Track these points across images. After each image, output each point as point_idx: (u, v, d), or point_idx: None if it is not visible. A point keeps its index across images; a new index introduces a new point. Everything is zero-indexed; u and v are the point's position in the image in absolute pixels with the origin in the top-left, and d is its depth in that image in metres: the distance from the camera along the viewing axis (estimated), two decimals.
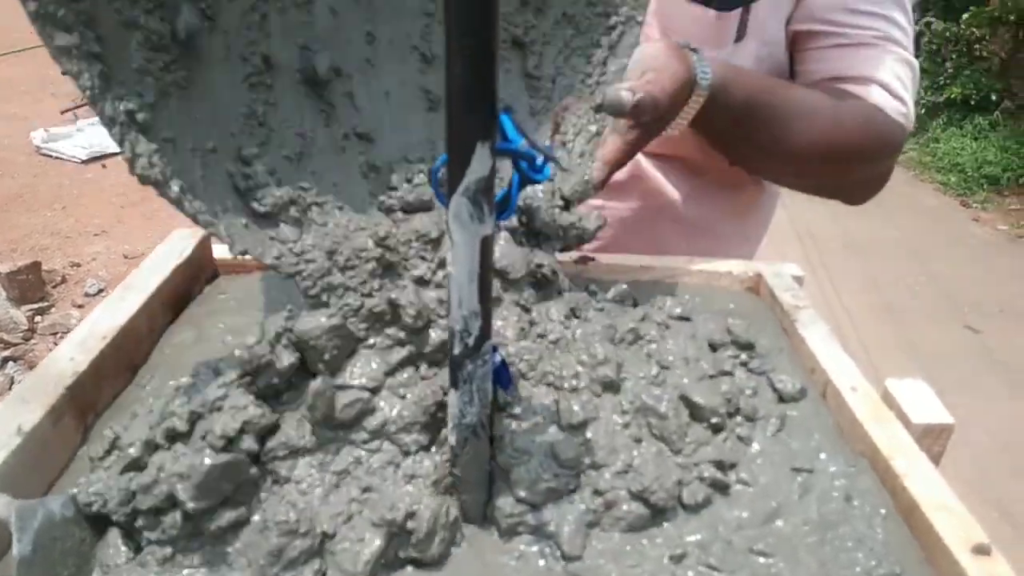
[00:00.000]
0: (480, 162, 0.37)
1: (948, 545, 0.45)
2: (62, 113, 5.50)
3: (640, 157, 0.91)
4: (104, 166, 4.90)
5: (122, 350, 0.58)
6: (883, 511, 0.49)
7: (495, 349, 0.46)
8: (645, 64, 0.66)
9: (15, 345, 2.99)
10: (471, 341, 0.42)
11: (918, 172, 6.00)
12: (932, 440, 0.56)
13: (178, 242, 0.71)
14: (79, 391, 0.53)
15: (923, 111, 6.52)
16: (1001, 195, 5.57)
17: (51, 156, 4.94)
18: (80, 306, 3.38)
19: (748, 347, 0.61)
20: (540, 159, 0.41)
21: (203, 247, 0.72)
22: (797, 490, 0.51)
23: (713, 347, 0.61)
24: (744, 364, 0.60)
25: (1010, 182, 5.62)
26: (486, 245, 0.39)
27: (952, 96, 6.23)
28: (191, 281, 0.70)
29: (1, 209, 4.30)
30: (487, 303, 0.41)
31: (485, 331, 0.42)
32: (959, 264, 4.64)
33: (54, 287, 3.50)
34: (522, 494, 0.47)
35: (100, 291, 3.45)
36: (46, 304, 3.35)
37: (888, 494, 0.51)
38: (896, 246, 4.80)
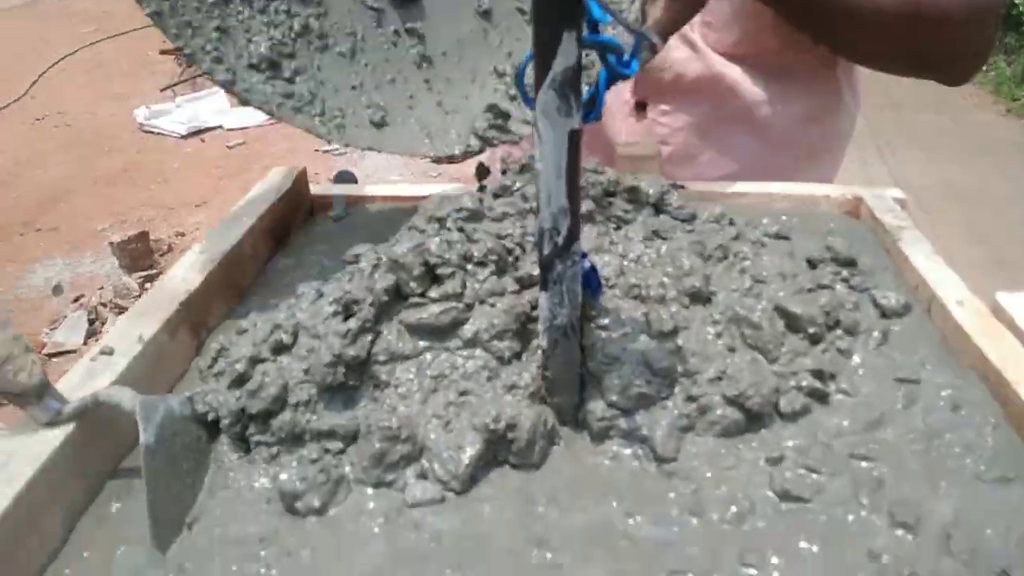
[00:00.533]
0: (566, 51, 0.37)
1: None
2: (161, 91, 5.75)
3: (712, 57, 0.88)
4: (203, 140, 5.12)
5: (229, 273, 0.61)
6: (993, 420, 0.47)
7: (584, 255, 0.46)
8: None
9: (128, 309, 3.17)
10: (560, 240, 0.42)
11: None
12: None
13: (276, 178, 0.74)
14: (191, 308, 0.56)
15: None
16: None
17: (153, 132, 5.19)
18: None
19: (849, 263, 0.59)
20: (628, 54, 0.40)
21: (300, 182, 0.75)
22: (901, 400, 0.49)
23: (812, 264, 0.59)
24: (845, 280, 0.58)
25: None
26: (574, 140, 0.40)
27: None
28: (291, 213, 0.73)
29: (108, 184, 4.55)
30: (576, 200, 0.42)
31: (574, 230, 0.42)
32: None
33: (161, 255, 3.70)
34: (614, 398, 0.47)
35: None
36: (155, 271, 3.55)
37: (999, 404, 0.49)
38: (1008, 198, 4.51)
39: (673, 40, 0.84)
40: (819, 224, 0.68)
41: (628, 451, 0.47)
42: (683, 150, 0.92)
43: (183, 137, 5.09)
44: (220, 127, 5.23)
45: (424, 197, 0.69)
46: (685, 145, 0.92)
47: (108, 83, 6.30)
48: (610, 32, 0.56)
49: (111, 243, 3.39)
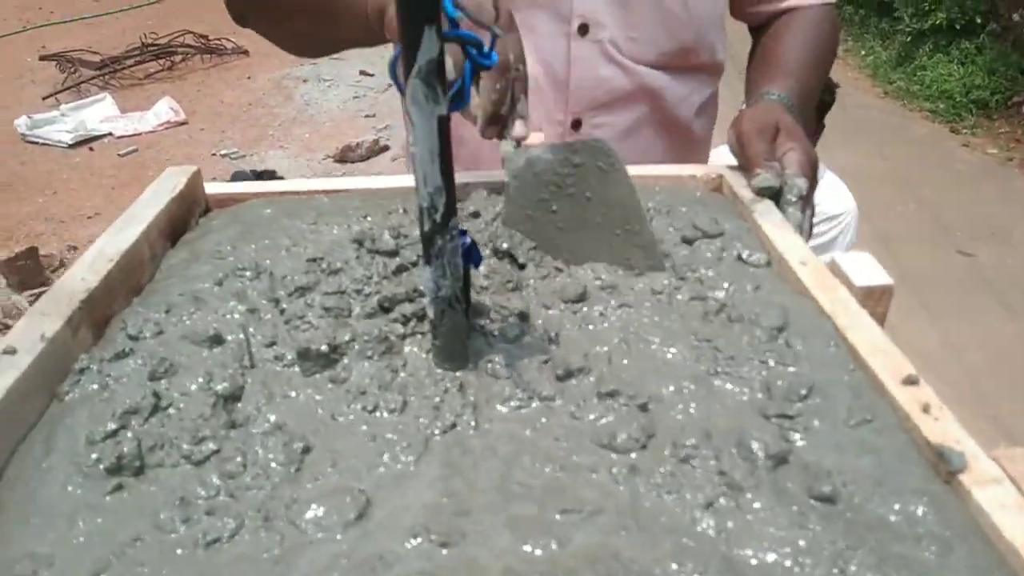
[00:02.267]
0: (428, 45, 0.41)
1: (882, 379, 0.51)
2: (44, 99, 5.49)
3: (638, 69, 0.98)
4: (91, 149, 4.91)
5: (127, 272, 0.63)
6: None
7: (464, 232, 0.51)
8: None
9: None
10: (438, 217, 0.47)
11: (906, 101, 5.98)
12: (875, 302, 0.61)
13: (170, 178, 0.76)
14: (92, 305, 0.58)
15: (908, 39, 6.47)
16: (990, 119, 5.56)
17: (37, 142, 4.95)
18: None
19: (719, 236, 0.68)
20: (488, 46, 0.45)
21: (194, 182, 0.77)
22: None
23: (687, 241, 0.67)
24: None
25: (999, 105, 5.61)
26: (443, 124, 0.44)
27: (937, 22, 6.17)
28: (186, 213, 0.74)
29: None
30: (450, 179, 0.46)
31: (450, 206, 0.47)
32: (950, 190, 4.66)
33: (53, 271, 3.55)
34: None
35: None
36: (46, 288, 3.40)
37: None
38: (885, 176, 4.81)
39: (599, 59, 0.96)
40: (689, 198, 0.75)
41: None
42: None
43: (70, 147, 4.87)
44: (109, 135, 5.04)
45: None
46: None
47: None
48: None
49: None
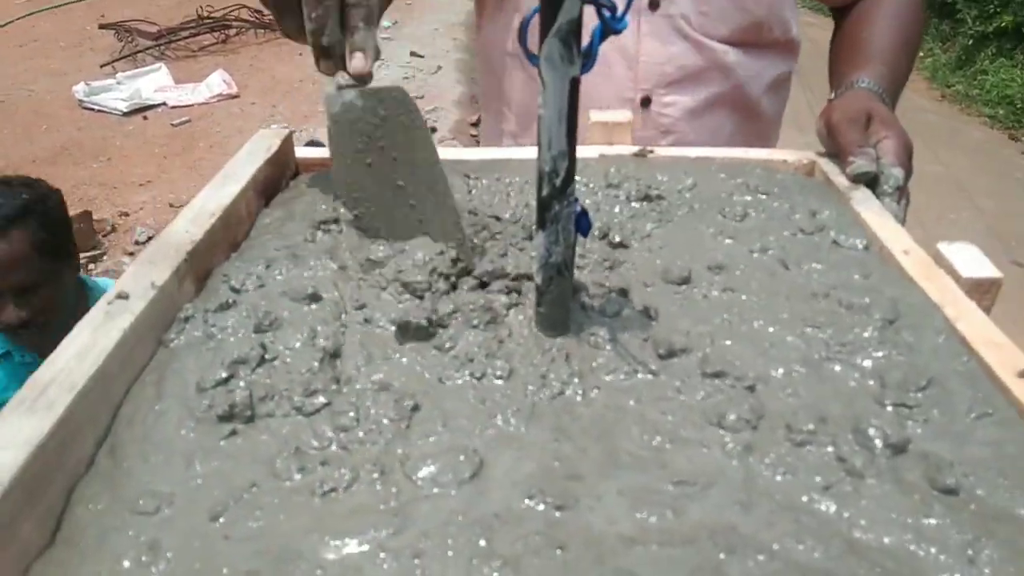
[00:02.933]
0: (570, 4, 0.41)
1: (997, 372, 0.49)
2: (101, 67, 5.59)
3: (712, 45, 0.96)
4: (145, 118, 4.99)
5: (227, 227, 0.64)
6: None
7: (577, 199, 0.51)
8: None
9: None
10: (559, 182, 0.47)
11: (964, 105, 5.84)
12: (981, 294, 0.59)
13: (263, 139, 0.76)
14: (196, 258, 0.59)
15: (970, 42, 6.32)
16: None
17: (93, 109, 5.04)
18: (131, 253, 3.49)
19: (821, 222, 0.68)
20: (621, 9, 0.44)
21: (287, 145, 0.77)
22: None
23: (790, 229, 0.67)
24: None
25: None
26: (574, 86, 0.44)
27: (1003, 25, 6.00)
28: (279, 174, 0.75)
29: (48, 163, 4.41)
30: (574, 144, 0.46)
31: (571, 172, 0.47)
32: (1006, 199, 4.55)
33: (105, 236, 3.62)
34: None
35: (149, 239, 3.55)
36: (99, 252, 3.47)
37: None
38: (940, 181, 4.71)
39: (670, 34, 0.94)
40: (784, 182, 0.74)
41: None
42: (681, 137, 1.00)
43: (124, 114, 4.96)
44: (163, 104, 5.11)
45: None
46: (683, 132, 1.00)
47: (45, 58, 6.08)
48: None
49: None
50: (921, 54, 6.80)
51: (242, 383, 0.48)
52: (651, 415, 0.46)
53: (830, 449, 0.43)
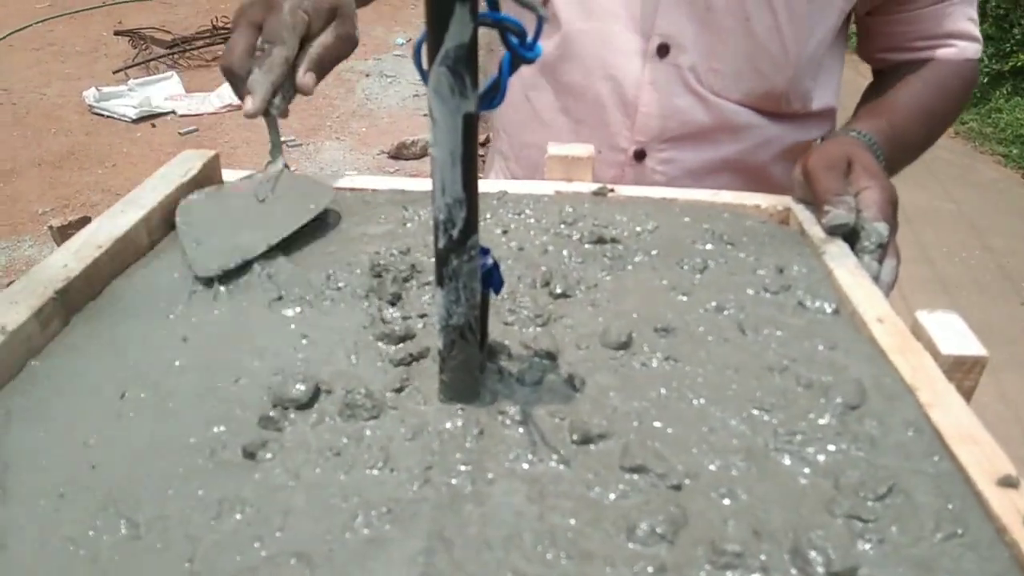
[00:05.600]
0: (459, 27, 0.34)
1: (973, 477, 0.41)
2: (114, 73, 5.59)
3: (721, 104, 0.86)
4: (153, 125, 4.98)
5: (117, 259, 0.57)
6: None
7: (487, 251, 0.43)
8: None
9: None
10: (455, 233, 0.39)
11: (978, 143, 5.76)
12: (963, 374, 0.51)
13: (183, 162, 0.70)
14: (68, 296, 0.52)
15: (986, 80, 6.25)
16: None
17: (103, 115, 5.03)
18: None
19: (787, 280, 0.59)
20: (531, 36, 0.37)
21: (211, 167, 0.71)
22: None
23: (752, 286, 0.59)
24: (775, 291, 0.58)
25: None
26: (469, 123, 0.37)
27: (1018, 64, 5.94)
28: None
29: (54, 166, 4.40)
30: (472, 191, 0.39)
31: (471, 222, 0.39)
32: (1017, 239, 4.46)
33: None
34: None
35: None
36: None
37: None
38: (952, 219, 4.63)
39: (676, 86, 0.85)
40: (754, 231, 0.67)
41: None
42: None
43: (133, 121, 4.95)
44: (172, 113, 5.10)
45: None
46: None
47: (59, 62, 6.10)
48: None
49: (51, 227, 3.27)
50: None
51: None
52: (551, 519, 0.38)
53: None
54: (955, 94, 0.91)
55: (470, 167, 0.38)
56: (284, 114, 0.67)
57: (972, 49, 0.91)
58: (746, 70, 0.84)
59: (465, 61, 0.35)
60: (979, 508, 0.40)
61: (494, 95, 0.40)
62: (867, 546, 0.38)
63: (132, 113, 4.96)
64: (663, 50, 0.84)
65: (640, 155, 0.89)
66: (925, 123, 0.87)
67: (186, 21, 6.66)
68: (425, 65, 0.37)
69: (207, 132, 4.97)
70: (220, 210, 0.64)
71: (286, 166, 0.69)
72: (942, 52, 0.90)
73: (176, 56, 5.95)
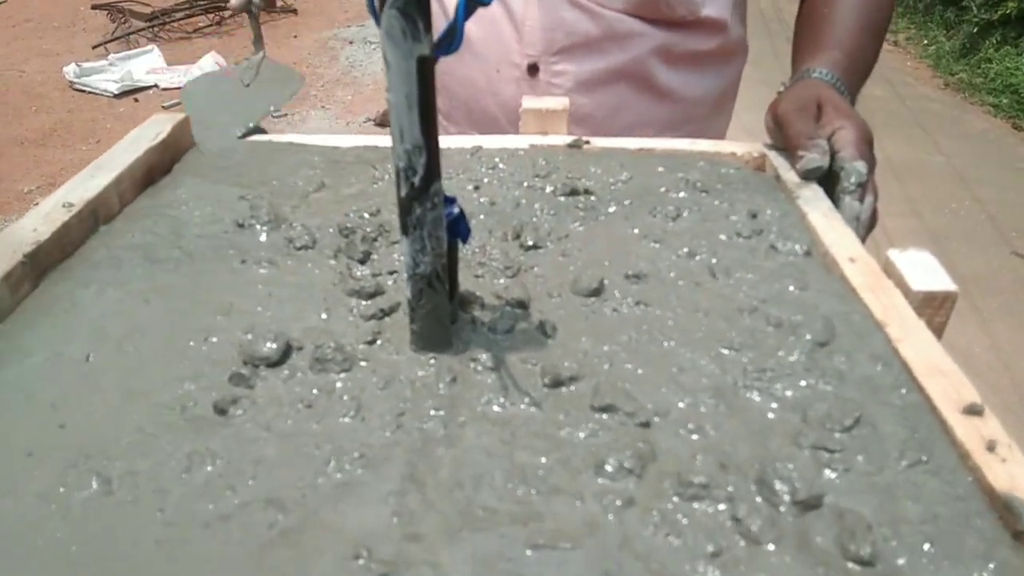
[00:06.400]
0: None
1: (939, 407, 0.42)
2: (93, 48, 5.51)
3: (606, 14, 0.87)
4: (136, 100, 4.92)
5: (87, 223, 0.57)
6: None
7: (452, 200, 0.43)
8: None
9: None
10: (417, 180, 0.39)
11: (967, 94, 5.72)
12: (934, 310, 0.52)
13: (153, 125, 0.69)
14: (38, 259, 0.51)
15: (975, 30, 6.20)
16: None
17: (84, 91, 4.97)
18: None
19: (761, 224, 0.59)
20: None
21: (181, 129, 0.70)
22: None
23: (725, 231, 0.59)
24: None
25: None
26: (424, 67, 0.36)
27: (1008, 12, 5.88)
28: (169, 163, 0.68)
29: (37, 144, 4.36)
30: (432, 136, 0.38)
31: (432, 168, 0.39)
32: (1007, 189, 4.45)
33: None
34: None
35: None
36: None
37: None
38: (941, 171, 4.62)
39: (560, 2, 0.86)
40: (730, 177, 0.67)
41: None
42: (583, 113, 0.91)
43: (115, 96, 4.89)
44: (155, 87, 5.04)
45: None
46: (579, 105, 0.90)
47: (37, 38, 6.01)
48: None
49: (38, 205, 3.25)
50: (925, 41, 6.68)
51: None
52: (522, 458, 0.39)
53: (723, 507, 0.36)
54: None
55: (428, 112, 0.38)
56: (263, 7, 0.83)
57: None
58: None
59: (416, 3, 0.34)
60: (944, 436, 0.41)
61: (451, 40, 0.39)
62: (833, 475, 0.38)
63: (114, 88, 4.90)
64: None
65: (533, 69, 0.91)
66: (872, 39, 0.86)
67: None
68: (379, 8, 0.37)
69: None
70: (217, 94, 0.79)
71: (265, 56, 0.84)
72: None
73: (156, 29, 5.86)
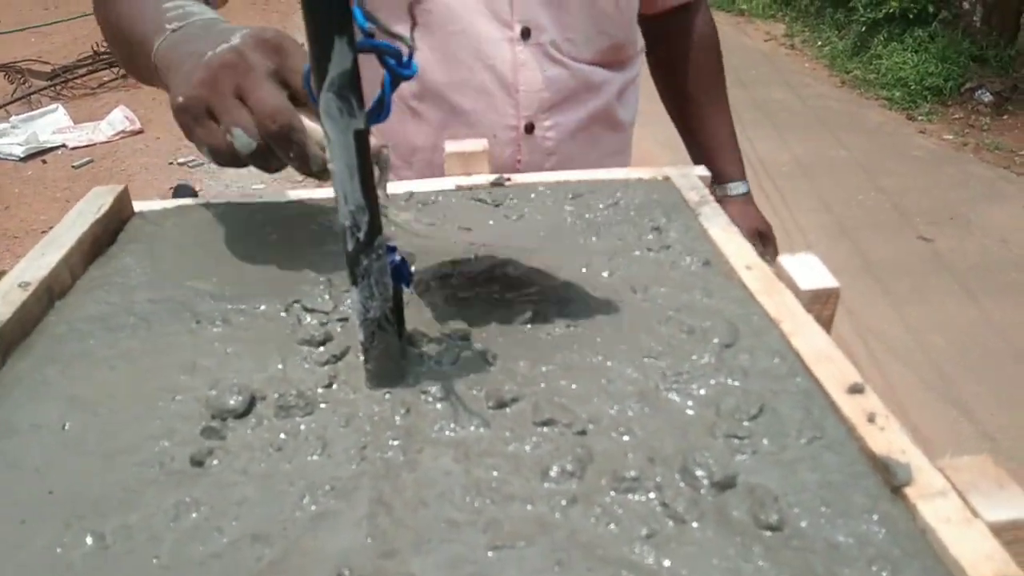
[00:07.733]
0: (340, 56, 0.39)
1: (828, 389, 0.49)
2: None
3: (581, 68, 1.02)
4: (44, 161, 4.79)
5: (43, 299, 0.59)
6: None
7: (394, 249, 0.48)
8: None
9: None
10: (362, 236, 0.44)
11: (863, 90, 6.06)
12: (821, 305, 0.59)
13: (96, 198, 0.72)
14: (2, 340, 0.54)
15: (863, 28, 6.56)
16: (945, 105, 5.66)
17: None
18: None
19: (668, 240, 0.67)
20: (407, 55, 0.43)
21: (122, 200, 0.73)
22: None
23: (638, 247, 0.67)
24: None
25: (952, 91, 5.71)
26: (360, 139, 0.42)
27: (891, 11, 6.26)
28: (112, 235, 0.71)
29: None
30: (372, 197, 0.44)
31: (374, 224, 0.44)
32: (908, 177, 4.73)
33: None
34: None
35: None
36: None
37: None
38: (845, 165, 4.87)
39: (544, 61, 0.99)
40: (640, 200, 0.74)
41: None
42: (564, 156, 1.04)
43: (21, 160, 4.75)
44: (63, 146, 4.92)
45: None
46: (565, 152, 1.04)
47: None
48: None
49: None
50: (819, 43, 7.04)
51: None
52: (476, 473, 0.44)
53: (653, 495, 0.42)
54: (719, 55, 1.22)
55: (366, 176, 0.43)
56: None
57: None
58: (593, 33, 1.00)
59: (349, 86, 0.40)
60: (833, 414, 0.48)
61: (379, 111, 0.45)
62: (743, 457, 0.45)
63: (19, 151, 4.76)
64: (526, 33, 0.97)
65: (529, 128, 1.01)
66: (726, 98, 1.21)
67: (64, 50, 6.41)
68: (314, 91, 0.42)
69: (102, 162, 4.81)
70: None
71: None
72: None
73: (59, 87, 5.72)
